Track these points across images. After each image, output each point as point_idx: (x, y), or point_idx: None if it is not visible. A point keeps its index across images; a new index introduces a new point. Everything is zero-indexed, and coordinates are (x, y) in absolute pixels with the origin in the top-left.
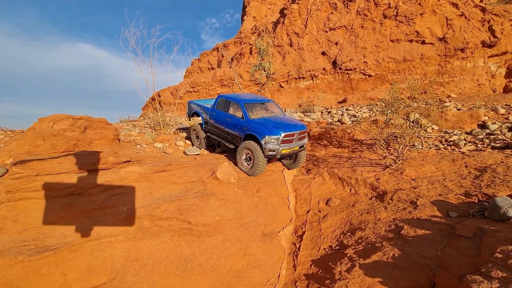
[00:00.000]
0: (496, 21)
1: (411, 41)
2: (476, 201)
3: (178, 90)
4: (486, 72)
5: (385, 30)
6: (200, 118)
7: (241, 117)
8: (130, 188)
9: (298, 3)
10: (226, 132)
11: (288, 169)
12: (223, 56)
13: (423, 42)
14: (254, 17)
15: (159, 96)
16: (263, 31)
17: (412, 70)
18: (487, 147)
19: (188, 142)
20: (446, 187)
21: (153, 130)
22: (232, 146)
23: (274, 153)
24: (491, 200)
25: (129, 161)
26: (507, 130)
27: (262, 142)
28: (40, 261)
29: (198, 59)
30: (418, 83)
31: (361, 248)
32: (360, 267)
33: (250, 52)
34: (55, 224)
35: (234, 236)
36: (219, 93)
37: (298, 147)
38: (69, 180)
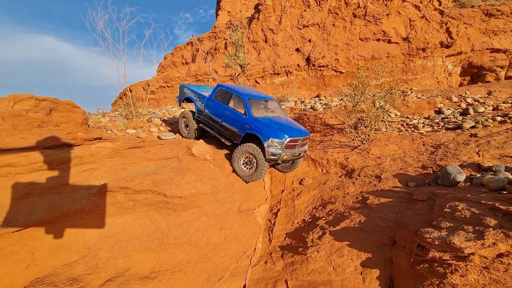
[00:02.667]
0: (452, 23)
1: (378, 40)
2: (431, 172)
3: (151, 85)
4: (444, 71)
5: (354, 29)
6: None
7: (243, 113)
8: (103, 162)
9: None
10: (223, 126)
11: (283, 172)
12: (198, 50)
13: (389, 41)
14: (229, 12)
15: (130, 91)
16: (238, 26)
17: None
18: (441, 128)
19: (162, 129)
20: (406, 162)
21: (125, 119)
22: (228, 143)
23: (276, 157)
24: (443, 169)
25: (100, 138)
26: (459, 114)
27: (265, 145)
28: (3, 239)
29: (172, 53)
30: (380, 68)
31: (331, 218)
32: (330, 234)
33: (225, 47)
34: (20, 202)
35: (210, 210)
36: None
37: (298, 153)
38: (34, 156)
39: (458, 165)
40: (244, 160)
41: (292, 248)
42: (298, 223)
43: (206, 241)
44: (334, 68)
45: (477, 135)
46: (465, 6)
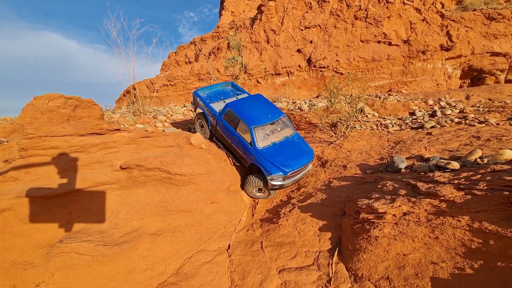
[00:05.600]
0: (453, 26)
1: (379, 42)
2: (386, 162)
3: (154, 83)
4: (444, 73)
5: (356, 30)
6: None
7: (249, 142)
8: (122, 147)
9: (275, 1)
10: (233, 147)
11: None
12: (201, 50)
13: (390, 44)
14: (232, 12)
15: (134, 89)
16: (241, 27)
17: (379, 70)
18: (407, 128)
19: (166, 124)
20: (370, 155)
21: (133, 115)
22: (238, 164)
23: (278, 187)
24: (391, 159)
25: (119, 130)
26: (427, 116)
27: (268, 178)
28: (50, 201)
29: (175, 52)
30: (353, 76)
31: (302, 197)
32: (298, 208)
33: (228, 47)
34: (62, 174)
35: (204, 187)
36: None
37: (300, 178)
38: (72, 141)
39: (405, 157)
40: (256, 189)
41: (269, 219)
42: (276, 202)
43: (200, 211)
44: (335, 69)
45: (432, 134)
46: (467, 9)
